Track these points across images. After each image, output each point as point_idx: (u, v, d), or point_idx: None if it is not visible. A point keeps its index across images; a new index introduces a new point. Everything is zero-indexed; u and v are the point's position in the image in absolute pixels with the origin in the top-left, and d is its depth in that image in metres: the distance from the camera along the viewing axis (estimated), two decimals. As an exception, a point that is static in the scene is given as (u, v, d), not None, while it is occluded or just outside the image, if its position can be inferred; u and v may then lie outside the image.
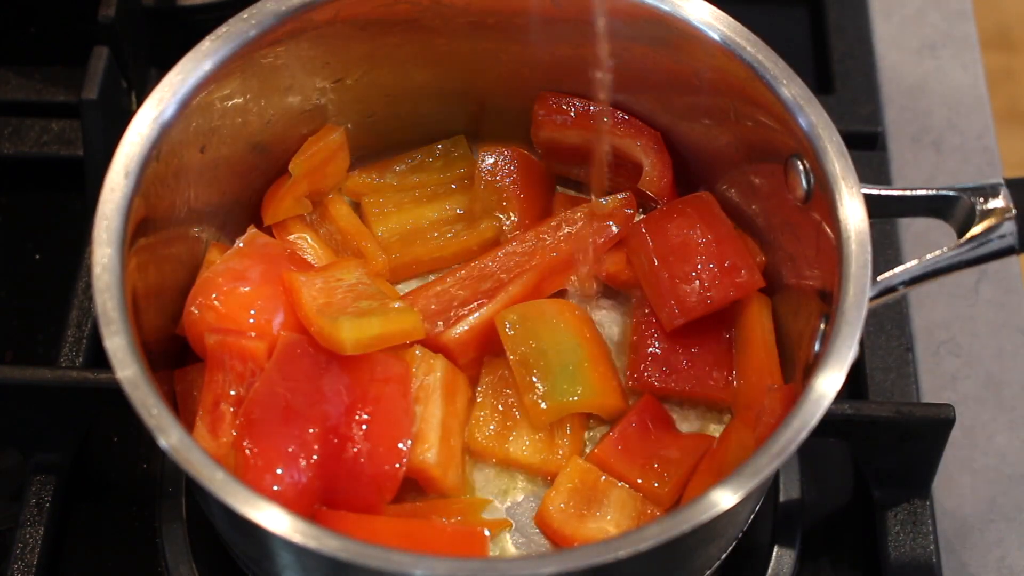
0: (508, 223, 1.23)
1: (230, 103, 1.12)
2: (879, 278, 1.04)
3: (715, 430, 1.16)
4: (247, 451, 1.03)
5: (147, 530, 1.20)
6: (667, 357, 1.16)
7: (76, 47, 1.39)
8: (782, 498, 1.21)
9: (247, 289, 1.11)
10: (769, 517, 1.19)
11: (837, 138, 1.05)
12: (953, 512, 1.24)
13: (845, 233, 1.02)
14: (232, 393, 1.07)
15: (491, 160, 1.24)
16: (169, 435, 0.93)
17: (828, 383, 0.96)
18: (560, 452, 1.13)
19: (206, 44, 1.09)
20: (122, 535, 1.20)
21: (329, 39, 1.15)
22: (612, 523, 1.09)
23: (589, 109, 1.22)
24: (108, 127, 1.30)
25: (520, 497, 1.13)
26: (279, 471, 1.04)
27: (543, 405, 1.12)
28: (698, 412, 1.18)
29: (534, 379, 1.13)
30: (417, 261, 1.23)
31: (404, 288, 1.23)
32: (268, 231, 1.20)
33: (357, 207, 1.25)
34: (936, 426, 1.15)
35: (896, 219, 1.38)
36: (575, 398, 1.12)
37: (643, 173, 1.21)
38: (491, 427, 1.13)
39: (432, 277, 1.22)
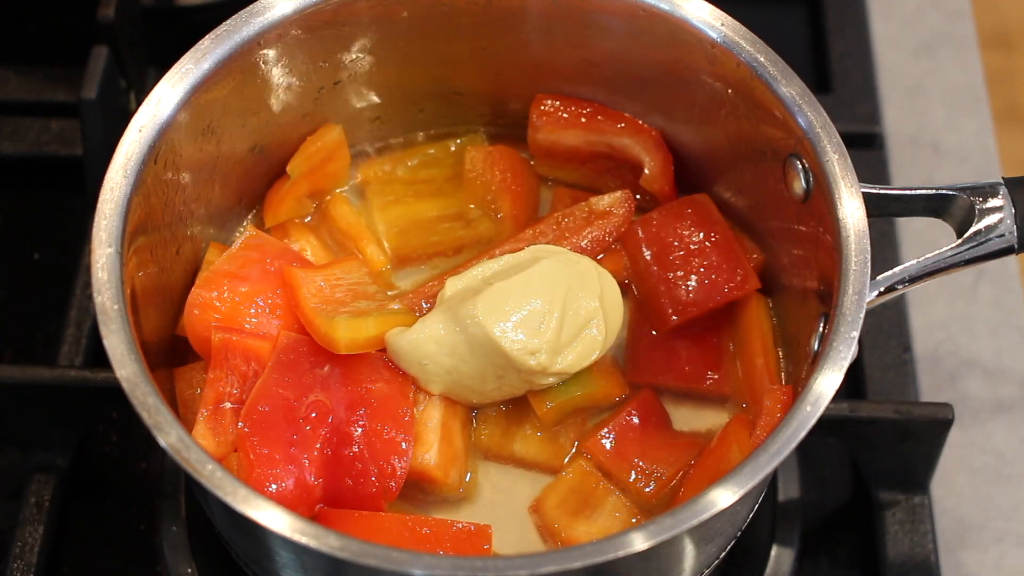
0: (498, 217, 1.23)
1: (229, 103, 1.12)
2: (878, 277, 1.04)
3: (714, 423, 1.16)
4: (249, 451, 1.04)
5: (146, 530, 1.20)
6: (664, 353, 1.16)
7: (75, 47, 1.39)
8: (781, 497, 1.21)
9: (246, 289, 1.11)
10: (768, 516, 1.20)
11: (836, 137, 1.05)
12: (951, 511, 1.24)
13: (844, 232, 1.02)
14: (234, 392, 1.07)
15: (477, 159, 1.23)
16: (168, 434, 0.93)
17: (827, 382, 0.96)
18: (564, 447, 1.13)
19: (206, 44, 1.09)
20: (122, 534, 1.20)
21: (329, 39, 1.15)
22: (600, 529, 1.09)
23: (586, 110, 1.22)
24: (107, 127, 1.30)
25: (520, 481, 1.13)
26: (281, 471, 1.04)
27: (548, 405, 1.12)
28: (697, 406, 1.17)
29: None
30: (414, 253, 1.22)
31: (404, 278, 1.21)
32: (268, 232, 1.20)
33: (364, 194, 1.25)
34: (934, 425, 1.15)
35: (895, 218, 1.38)
36: (579, 394, 1.12)
37: (644, 171, 1.20)
38: (497, 426, 1.13)
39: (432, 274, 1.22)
